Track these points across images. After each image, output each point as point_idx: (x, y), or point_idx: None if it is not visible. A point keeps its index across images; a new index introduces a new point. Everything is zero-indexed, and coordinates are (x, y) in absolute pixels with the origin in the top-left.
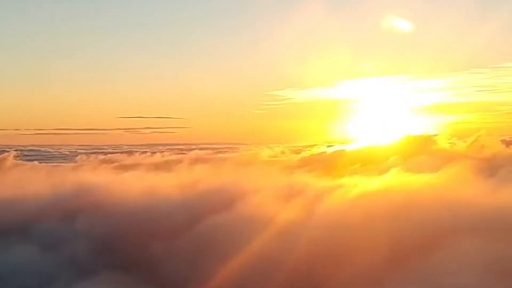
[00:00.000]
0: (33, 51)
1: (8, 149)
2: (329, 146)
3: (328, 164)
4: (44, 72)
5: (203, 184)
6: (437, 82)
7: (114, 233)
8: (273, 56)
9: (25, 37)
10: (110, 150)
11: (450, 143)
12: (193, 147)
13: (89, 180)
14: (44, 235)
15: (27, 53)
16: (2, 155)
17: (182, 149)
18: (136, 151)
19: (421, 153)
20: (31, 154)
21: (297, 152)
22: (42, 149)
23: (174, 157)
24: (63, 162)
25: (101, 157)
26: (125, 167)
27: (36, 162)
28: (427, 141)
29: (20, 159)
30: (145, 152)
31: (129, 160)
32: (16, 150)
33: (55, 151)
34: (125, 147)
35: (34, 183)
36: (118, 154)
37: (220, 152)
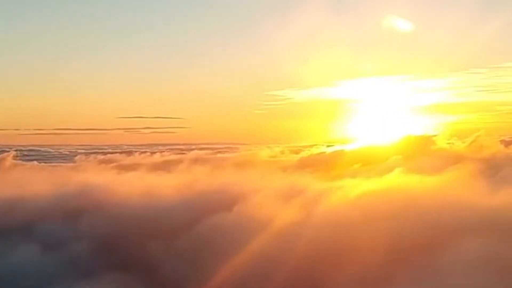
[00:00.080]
0: (33, 51)
1: (8, 149)
2: (328, 146)
3: (328, 164)
4: (44, 72)
5: (203, 184)
6: (437, 82)
7: (115, 233)
8: (273, 56)
9: (25, 37)
10: (110, 150)
11: (450, 143)
12: (193, 147)
13: (89, 181)
14: (45, 235)
15: (27, 53)
16: (2, 155)
17: (182, 149)
18: (136, 151)
19: (421, 153)
20: (31, 154)
21: (297, 152)
22: (42, 149)
23: (174, 157)
24: (63, 162)
25: (101, 157)
26: (125, 167)
27: (36, 162)
28: (427, 141)
29: (20, 159)
30: (145, 152)
31: (129, 160)
32: (16, 150)
33: (55, 151)
34: (125, 147)
35: (34, 183)
36: (118, 154)
37: (220, 152)
